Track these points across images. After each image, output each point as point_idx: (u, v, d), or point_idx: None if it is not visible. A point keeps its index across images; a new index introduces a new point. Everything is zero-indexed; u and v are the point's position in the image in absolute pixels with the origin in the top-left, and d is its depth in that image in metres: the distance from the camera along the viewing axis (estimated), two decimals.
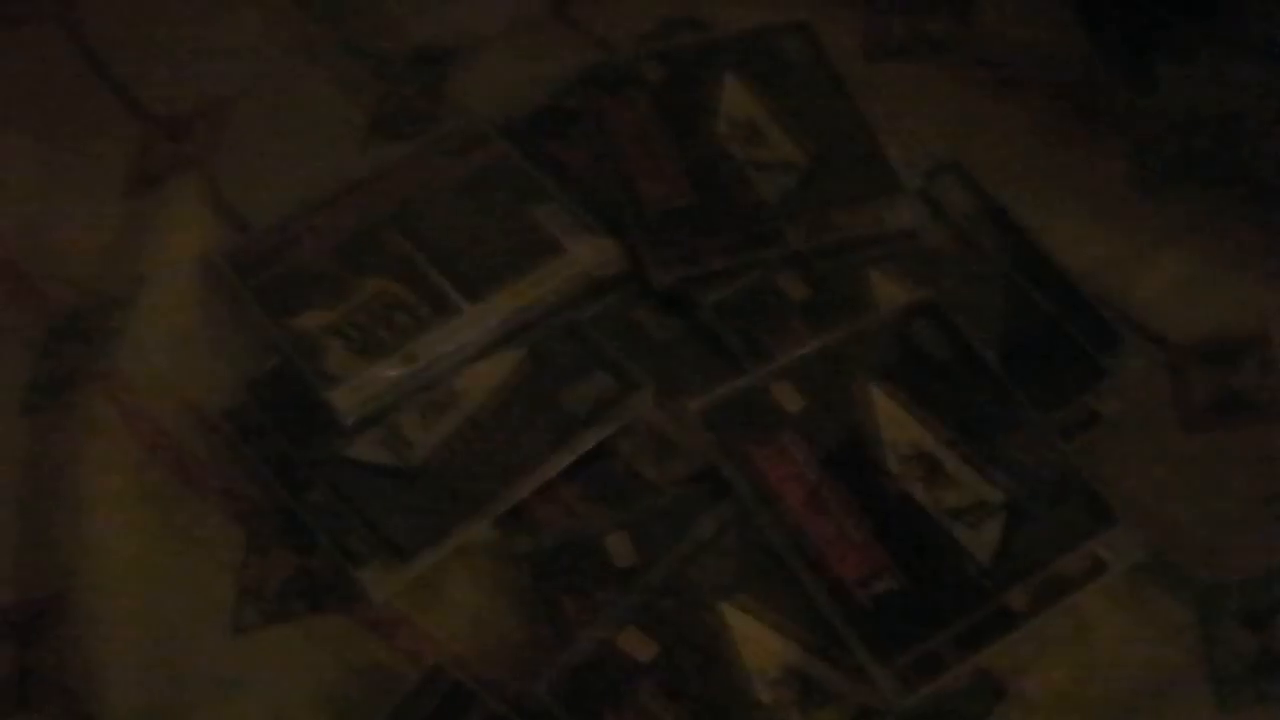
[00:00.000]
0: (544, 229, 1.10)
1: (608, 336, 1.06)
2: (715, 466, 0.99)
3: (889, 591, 0.93)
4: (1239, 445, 1.01)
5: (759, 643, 0.93)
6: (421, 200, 1.12)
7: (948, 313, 1.04)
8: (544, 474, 1.00)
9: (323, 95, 1.23)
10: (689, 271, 1.07)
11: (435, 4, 1.28)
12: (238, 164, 1.19)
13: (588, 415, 1.02)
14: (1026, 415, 1.00)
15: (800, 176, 1.11)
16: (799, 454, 0.98)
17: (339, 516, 1.00)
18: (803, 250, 1.08)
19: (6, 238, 1.17)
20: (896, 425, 0.99)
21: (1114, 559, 0.95)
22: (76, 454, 1.05)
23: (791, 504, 0.96)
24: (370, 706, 0.93)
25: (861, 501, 0.96)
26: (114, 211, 1.18)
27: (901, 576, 0.93)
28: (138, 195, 1.19)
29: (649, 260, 1.08)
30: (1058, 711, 0.93)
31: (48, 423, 1.07)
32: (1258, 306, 1.07)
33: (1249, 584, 0.96)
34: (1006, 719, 0.92)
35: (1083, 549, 0.95)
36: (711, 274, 1.07)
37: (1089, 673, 0.94)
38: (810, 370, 1.02)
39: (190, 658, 0.97)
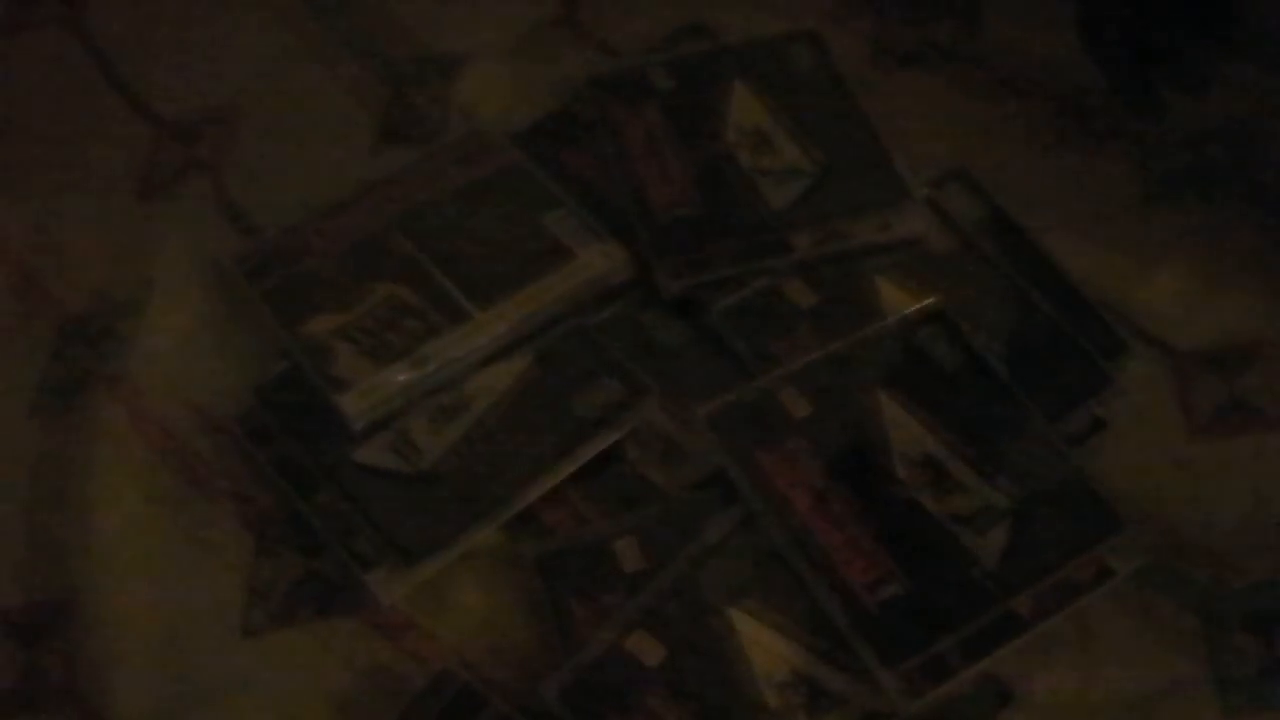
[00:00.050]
0: (553, 235, 1.10)
1: (616, 342, 1.06)
2: (723, 471, 0.99)
3: (895, 596, 0.93)
4: (1244, 451, 1.02)
5: (766, 647, 0.93)
6: (430, 205, 1.13)
7: (954, 319, 1.04)
8: (552, 479, 1.00)
9: (332, 100, 1.23)
10: (697, 278, 1.08)
11: (444, 10, 1.28)
12: (247, 168, 1.20)
13: (596, 420, 1.02)
14: (1033, 421, 1.00)
15: (808, 184, 1.11)
16: (806, 459, 0.98)
17: (347, 520, 1.00)
18: (810, 257, 1.08)
19: (17, 241, 1.17)
20: (903, 431, 1.00)
21: (1120, 564, 0.96)
22: (85, 456, 1.05)
23: (799, 509, 0.97)
24: (378, 709, 0.93)
25: (868, 506, 0.97)
26: (123, 215, 1.18)
27: (908, 581, 0.94)
28: (147, 199, 1.19)
29: (657, 267, 1.08)
30: (1063, 716, 0.93)
31: (57, 425, 1.08)
32: (1262, 313, 1.08)
33: (1254, 589, 0.96)
34: None
35: (1088, 554, 0.95)
36: (719, 280, 1.08)
37: (1094, 677, 0.94)
38: (817, 376, 1.02)
39: (198, 660, 0.98)
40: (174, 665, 0.97)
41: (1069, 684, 0.94)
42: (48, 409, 1.08)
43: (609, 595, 0.96)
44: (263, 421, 1.05)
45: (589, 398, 1.03)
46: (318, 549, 1.01)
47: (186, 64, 1.27)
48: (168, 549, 1.02)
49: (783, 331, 1.06)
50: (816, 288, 1.08)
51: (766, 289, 1.08)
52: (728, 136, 1.14)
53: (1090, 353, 1.04)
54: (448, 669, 0.93)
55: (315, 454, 1.02)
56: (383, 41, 1.27)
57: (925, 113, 1.19)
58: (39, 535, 1.03)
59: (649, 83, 1.18)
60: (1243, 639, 0.95)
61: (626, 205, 1.11)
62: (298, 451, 1.03)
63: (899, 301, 1.07)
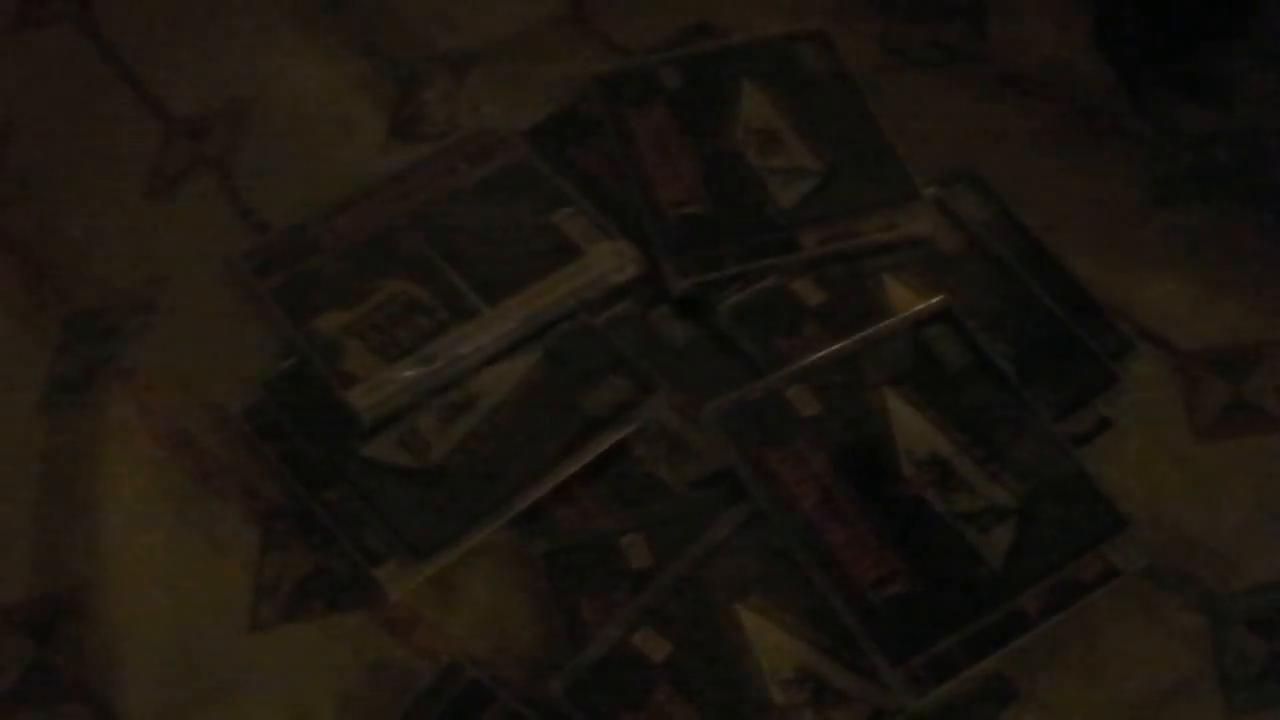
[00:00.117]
0: (562, 233, 1.10)
1: (624, 340, 1.07)
2: (730, 469, 1.00)
3: (902, 594, 0.93)
4: (1249, 452, 1.02)
5: (773, 644, 0.94)
6: (440, 203, 1.13)
7: (961, 318, 1.04)
8: (560, 475, 1.01)
9: (342, 98, 1.24)
10: (705, 276, 1.08)
11: (453, 8, 1.28)
12: (257, 165, 1.20)
13: (604, 418, 1.02)
14: (1039, 420, 1.00)
15: (816, 183, 1.11)
16: (814, 457, 0.99)
17: (356, 515, 1.00)
18: (818, 256, 1.09)
19: (27, 236, 1.18)
20: (910, 429, 1.00)
21: (1125, 564, 0.96)
22: (94, 452, 1.06)
23: (806, 507, 0.97)
24: (386, 704, 0.94)
25: (875, 504, 0.97)
26: (133, 211, 1.19)
27: (914, 579, 0.94)
28: (157, 195, 1.19)
29: (665, 264, 1.08)
30: (1068, 714, 0.93)
31: (66, 420, 1.08)
32: (1267, 314, 1.08)
33: (1259, 590, 0.96)
34: None
35: (1094, 553, 0.95)
36: (728, 278, 1.08)
37: (1099, 676, 0.94)
38: (825, 374, 1.02)
39: (207, 655, 0.98)
40: (182, 659, 0.98)
41: (1074, 682, 0.94)
42: (57, 404, 1.09)
43: (616, 592, 0.96)
44: (271, 417, 1.05)
45: (597, 395, 1.03)
46: (326, 544, 1.01)
47: (196, 61, 1.27)
48: (176, 544, 1.02)
49: (790, 330, 1.06)
50: (824, 286, 1.08)
51: (774, 287, 1.08)
52: (736, 135, 1.14)
53: (1096, 352, 1.05)
54: (455, 664, 0.94)
55: (324, 449, 1.03)
56: (392, 39, 1.27)
57: (933, 113, 1.19)
58: (48, 530, 1.03)
59: (658, 81, 1.18)
60: (1247, 638, 0.95)
61: (635, 203, 1.12)
62: (306, 447, 1.03)
63: (906, 300, 1.07)
